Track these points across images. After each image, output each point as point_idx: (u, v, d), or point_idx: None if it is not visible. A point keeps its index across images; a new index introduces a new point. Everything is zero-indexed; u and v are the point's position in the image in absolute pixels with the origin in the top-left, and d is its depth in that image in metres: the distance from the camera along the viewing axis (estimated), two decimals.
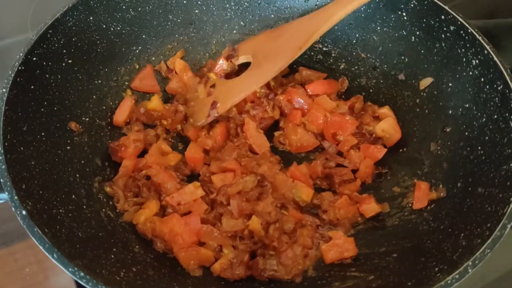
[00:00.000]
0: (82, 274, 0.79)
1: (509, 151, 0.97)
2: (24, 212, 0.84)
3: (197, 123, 1.20)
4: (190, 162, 1.16)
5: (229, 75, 1.27)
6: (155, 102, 1.24)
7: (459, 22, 1.13)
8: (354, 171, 1.19)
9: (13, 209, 0.84)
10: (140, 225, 1.05)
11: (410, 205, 1.10)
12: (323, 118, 1.23)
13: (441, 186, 1.08)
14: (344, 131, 1.22)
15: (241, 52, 1.26)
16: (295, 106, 1.26)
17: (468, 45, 1.12)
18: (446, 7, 1.15)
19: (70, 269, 0.80)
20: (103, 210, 1.06)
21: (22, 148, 0.96)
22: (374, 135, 1.22)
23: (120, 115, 1.22)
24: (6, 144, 0.92)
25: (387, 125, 1.21)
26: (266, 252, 1.01)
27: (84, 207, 1.02)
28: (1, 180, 0.87)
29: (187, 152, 1.16)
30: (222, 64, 1.26)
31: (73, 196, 1.01)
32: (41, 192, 0.93)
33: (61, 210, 0.95)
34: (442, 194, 1.06)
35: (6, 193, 0.85)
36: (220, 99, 1.19)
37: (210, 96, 1.22)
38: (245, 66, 1.27)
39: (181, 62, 1.31)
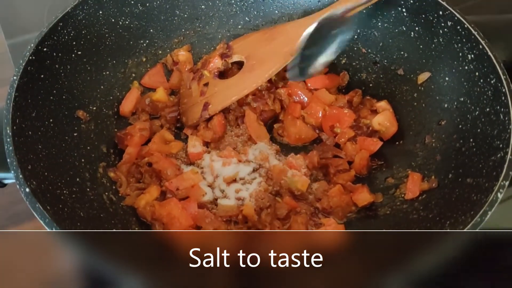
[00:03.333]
0: None
1: (498, 142, 0.99)
2: (27, 190, 0.89)
3: (189, 122, 1.25)
4: (193, 158, 1.20)
5: (222, 73, 1.32)
6: (160, 94, 1.29)
7: (456, 18, 1.15)
8: (351, 163, 1.22)
9: (17, 187, 0.90)
10: (141, 208, 1.10)
11: (402, 195, 1.12)
12: (322, 112, 1.26)
13: (433, 177, 1.10)
14: (342, 123, 1.25)
15: (235, 52, 1.31)
16: (295, 100, 1.29)
17: (464, 40, 1.14)
18: (444, 3, 1.17)
19: None
20: (106, 193, 1.11)
21: (30, 132, 1.02)
22: (371, 128, 1.24)
23: (127, 106, 1.28)
24: (14, 127, 0.97)
25: (384, 119, 1.23)
26: None
27: (88, 189, 1.07)
28: (8, 160, 0.92)
29: (189, 149, 1.20)
30: (216, 63, 1.29)
31: (78, 179, 1.07)
32: (46, 173, 0.99)
33: (65, 191, 1.00)
34: (433, 185, 1.08)
35: (12, 172, 0.91)
36: (212, 101, 1.24)
37: (203, 95, 1.26)
38: (237, 63, 1.32)
39: (184, 54, 1.36)
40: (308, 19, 1.26)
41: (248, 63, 1.27)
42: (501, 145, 0.97)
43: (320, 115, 1.26)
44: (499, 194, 0.89)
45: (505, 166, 0.92)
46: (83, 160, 1.12)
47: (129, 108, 1.27)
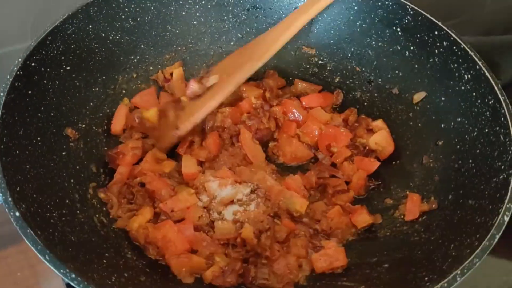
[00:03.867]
0: (73, 275, 0.79)
1: (499, 164, 0.98)
2: (17, 214, 0.84)
3: (163, 145, 1.20)
4: (188, 179, 1.15)
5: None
6: (152, 114, 1.24)
7: (452, 38, 1.15)
8: (347, 183, 1.20)
9: (6, 210, 0.85)
10: (133, 231, 1.05)
11: (402, 216, 1.11)
12: (318, 130, 1.24)
13: (432, 198, 1.09)
14: (339, 143, 1.23)
15: (212, 73, 1.23)
16: (290, 118, 1.27)
17: (460, 60, 1.14)
18: (440, 23, 1.17)
19: (61, 271, 0.80)
20: (97, 215, 1.06)
21: (17, 152, 0.96)
22: (367, 148, 1.23)
23: (118, 124, 1.23)
24: (1, 147, 0.92)
25: (381, 138, 1.22)
26: (258, 260, 1.01)
27: (78, 212, 1.02)
28: None
29: (183, 169, 1.15)
30: (192, 87, 1.21)
31: (67, 201, 1.02)
32: (35, 195, 0.94)
33: (54, 214, 0.95)
34: (433, 206, 1.07)
35: (0, 194, 0.86)
36: (183, 120, 1.19)
37: (179, 120, 1.19)
38: None
39: (177, 72, 1.33)
40: (275, 27, 1.21)
41: (221, 78, 1.21)
42: (503, 167, 0.97)
43: (316, 133, 1.24)
44: (505, 217, 0.88)
45: (510, 188, 0.92)
46: (72, 181, 1.07)
47: (120, 126, 1.22)
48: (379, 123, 1.26)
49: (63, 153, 1.09)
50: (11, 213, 0.84)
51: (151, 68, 1.34)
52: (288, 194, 1.10)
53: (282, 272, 1.00)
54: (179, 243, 1.01)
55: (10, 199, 0.85)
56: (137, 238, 1.05)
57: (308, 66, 1.40)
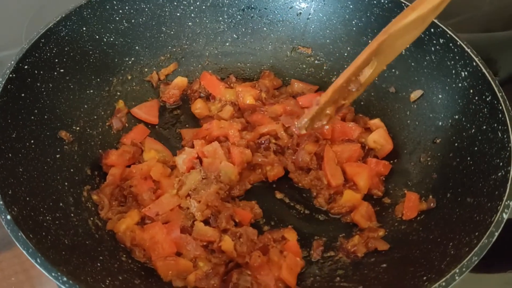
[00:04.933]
0: (65, 279, 0.78)
1: (498, 161, 0.97)
2: (8, 217, 0.83)
3: None
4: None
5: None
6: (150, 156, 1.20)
7: (448, 35, 1.14)
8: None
9: None
10: (120, 233, 1.04)
11: (400, 215, 1.10)
12: (330, 126, 1.19)
13: (431, 196, 1.08)
14: (350, 136, 1.21)
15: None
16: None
17: (457, 57, 1.13)
18: (436, 20, 1.16)
19: (53, 274, 0.79)
20: (91, 218, 1.05)
21: (10, 155, 0.96)
22: (366, 147, 1.22)
23: (130, 139, 1.22)
24: None
25: (379, 136, 1.21)
26: (243, 269, 1.00)
27: (72, 215, 1.01)
28: None
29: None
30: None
31: (61, 204, 1.01)
32: (28, 198, 0.93)
33: (47, 217, 0.94)
34: (432, 205, 1.06)
35: None
36: None
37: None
38: None
39: (181, 79, 1.33)
40: None
41: None
42: (501, 164, 0.96)
43: (327, 128, 1.18)
44: (504, 215, 0.87)
45: (508, 185, 0.90)
46: (66, 184, 1.06)
47: (129, 141, 1.22)
48: (376, 121, 1.25)
49: (57, 156, 1.08)
50: (2, 217, 0.84)
51: (146, 69, 1.33)
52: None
53: (266, 284, 0.97)
54: (166, 245, 1.00)
55: (1, 202, 0.85)
56: (123, 240, 1.03)
57: (304, 66, 1.39)
